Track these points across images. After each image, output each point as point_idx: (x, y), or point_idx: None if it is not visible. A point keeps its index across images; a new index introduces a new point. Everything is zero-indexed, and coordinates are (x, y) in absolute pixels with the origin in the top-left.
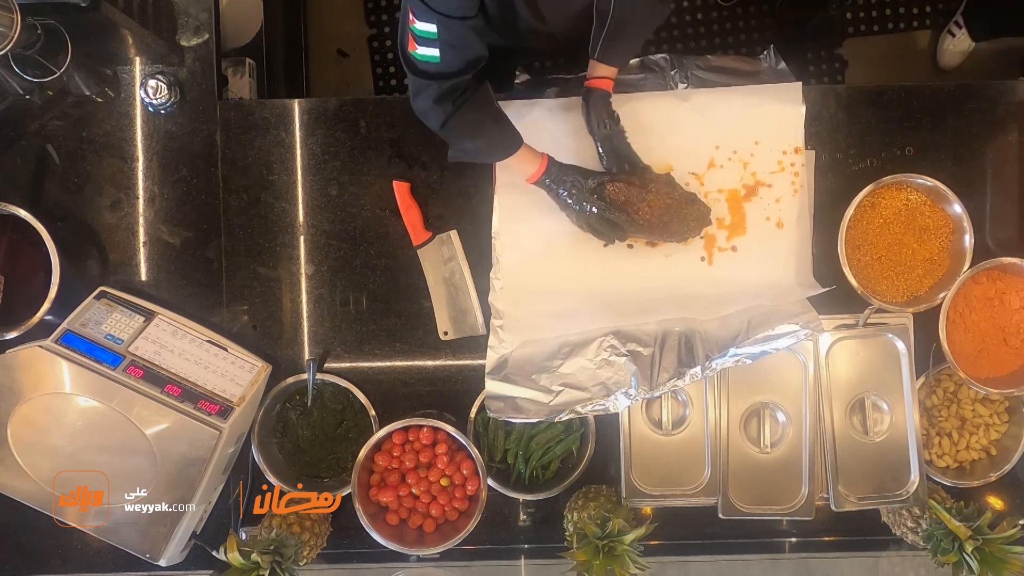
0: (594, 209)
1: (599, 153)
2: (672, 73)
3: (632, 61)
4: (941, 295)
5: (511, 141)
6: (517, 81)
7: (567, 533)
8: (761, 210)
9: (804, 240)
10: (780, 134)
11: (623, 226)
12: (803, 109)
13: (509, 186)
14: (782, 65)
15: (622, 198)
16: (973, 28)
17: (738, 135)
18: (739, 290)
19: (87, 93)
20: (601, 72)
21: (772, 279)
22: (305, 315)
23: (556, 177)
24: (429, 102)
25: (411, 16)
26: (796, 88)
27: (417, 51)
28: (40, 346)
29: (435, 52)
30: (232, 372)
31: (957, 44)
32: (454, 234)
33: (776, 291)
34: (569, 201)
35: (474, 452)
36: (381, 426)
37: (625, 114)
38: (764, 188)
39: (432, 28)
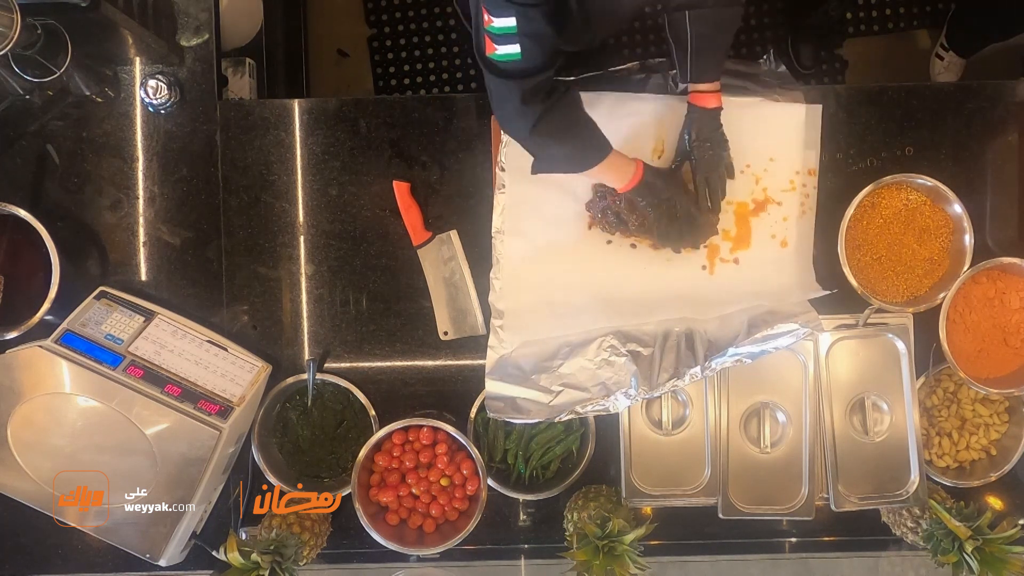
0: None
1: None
2: (672, 74)
3: (632, 64)
4: (941, 295)
5: (601, 146)
6: None
7: (567, 533)
8: (768, 227)
9: (806, 258)
10: (796, 155)
11: (701, 232)
12: (819, 132)
13: (509, 186)
14: (782, 68)
15: (631, 204)
16: (960, 48)
17: (754, 150)
18: (738, 297)
19: (87, 93)
20: (701, 87)
21: (771, 290)
22: (305, 315)
23: (653, 181)
24: (516, 103)
25: (486, 16)
26: (816, 111)
27: (497, 52)
28: (40, 346)
29: (516, 48)
30: (232, 372)
31: (948, 66)
32: (454, 234)
33: (776, 292)
34: (664, 207)
35: (474, 452)
36: (381, 426)
37: (632, 112)
38: (773, 205)
39: (511, 22)
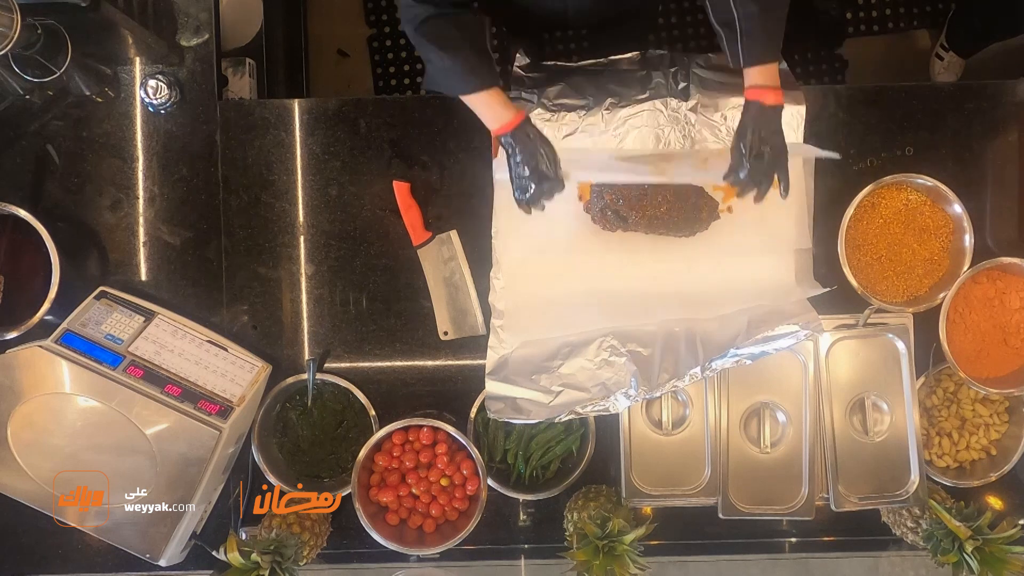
0: (543, 185)
1: (736, 163)
2: (672, 71)
3: (632, 53)
4: (941, 295)
5: (485, 76)
6: (517, 64)
7: (567, 533)
8: None
9: (800, 202)
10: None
11: (555, 188)
12: (803, 108)
13: (508, 184)
14: (783, 65)
15: (633, 195)
16: (960, 48)
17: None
18: (737, 276)
19: (87, 93)
20: (758, 79)
21: (769, 241)
22: (305, 315)
23: (530, 137)
24: None
25: None
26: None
27: None
28: (40, 346)
29: None
30: (232, 372)
31: (948, 67)
32: (454, 234)
33: (776, 291)
34: (528, 168)
35: (474, 452)
36: (381, 426)
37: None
38: None
39: None
